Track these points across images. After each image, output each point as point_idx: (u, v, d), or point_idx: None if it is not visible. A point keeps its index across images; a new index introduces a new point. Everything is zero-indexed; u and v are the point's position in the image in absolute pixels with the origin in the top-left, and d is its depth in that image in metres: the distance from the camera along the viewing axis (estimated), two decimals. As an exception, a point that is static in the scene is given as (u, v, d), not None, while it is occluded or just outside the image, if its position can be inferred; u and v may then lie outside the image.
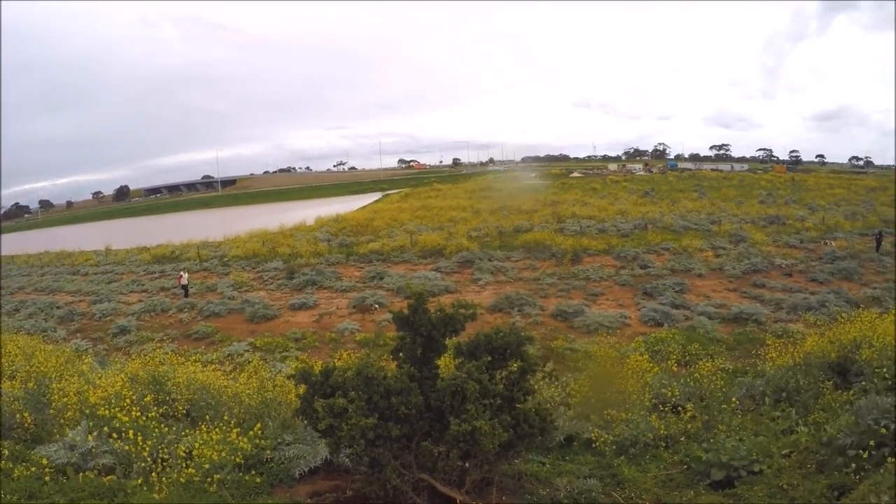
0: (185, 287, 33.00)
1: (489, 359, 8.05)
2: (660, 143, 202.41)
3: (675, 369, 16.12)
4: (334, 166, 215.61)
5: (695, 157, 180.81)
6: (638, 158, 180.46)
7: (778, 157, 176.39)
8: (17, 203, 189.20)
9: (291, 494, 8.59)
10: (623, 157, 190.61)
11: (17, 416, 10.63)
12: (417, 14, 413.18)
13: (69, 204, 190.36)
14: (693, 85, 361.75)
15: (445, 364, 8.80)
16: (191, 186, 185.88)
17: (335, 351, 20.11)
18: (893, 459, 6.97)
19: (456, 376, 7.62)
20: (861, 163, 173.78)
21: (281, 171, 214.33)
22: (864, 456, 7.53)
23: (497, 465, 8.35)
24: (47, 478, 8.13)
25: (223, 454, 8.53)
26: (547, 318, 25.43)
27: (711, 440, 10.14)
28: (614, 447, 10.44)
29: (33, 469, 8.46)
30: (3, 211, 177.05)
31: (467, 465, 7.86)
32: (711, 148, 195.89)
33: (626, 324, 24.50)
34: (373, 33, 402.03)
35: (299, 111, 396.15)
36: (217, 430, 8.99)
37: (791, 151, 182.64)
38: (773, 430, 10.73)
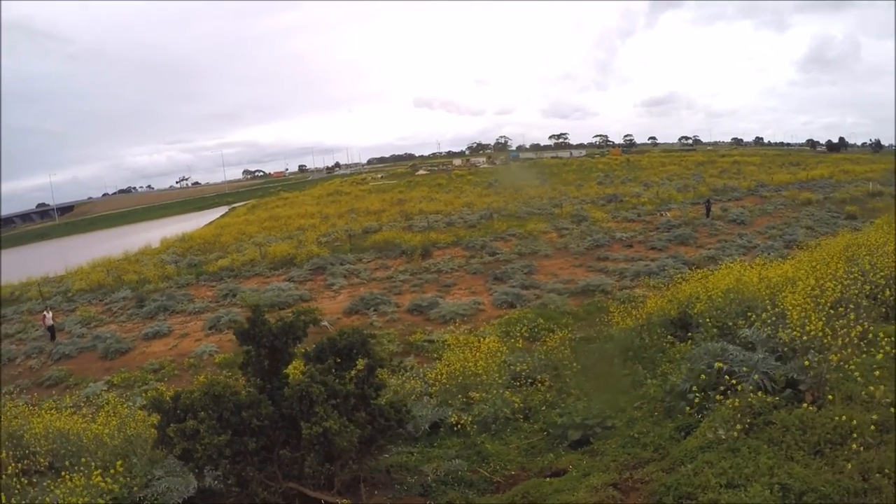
0: (50, 328, 29.95)
1: (337, 360, 8.34)
2: (501, 136, 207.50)
3: (526, 345, 17.00)
4: (177, 182, 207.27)
5: (535, 147, 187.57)
6: (481, 152, 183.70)
7: (613, 142, 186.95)
8: None
9: None
10: (467, 152, 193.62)
11: None
12: (252, 21, 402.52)
13: None
14: (530, 80, 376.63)
15: (297, 372, 8.91)
16: (25, 217, 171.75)
17: (195, 376, 19.61)
18: (721, 397, 7.82)
19: (300, 382, 7.84)
20: (690, 141, 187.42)
21: (121, 191, 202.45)
22: (701, 397, 8.28)
23: (363, 462, 8.63)
24: None
25: (87, 499, 8.27)
26: (403, 314, 25.80)
27: (563, 405, 10.88)
28: (476, 426, 10.96)
29: None
30: None
31: (332, 466, 8.06)
32: (551, 137, 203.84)
33: (481, 309, 25.30)
34: (207, 43, 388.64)
35: (136, 126, 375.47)
36: (79, 475, 8.66)
37: (625, 136, 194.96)
38: (621, 386, 11.61)
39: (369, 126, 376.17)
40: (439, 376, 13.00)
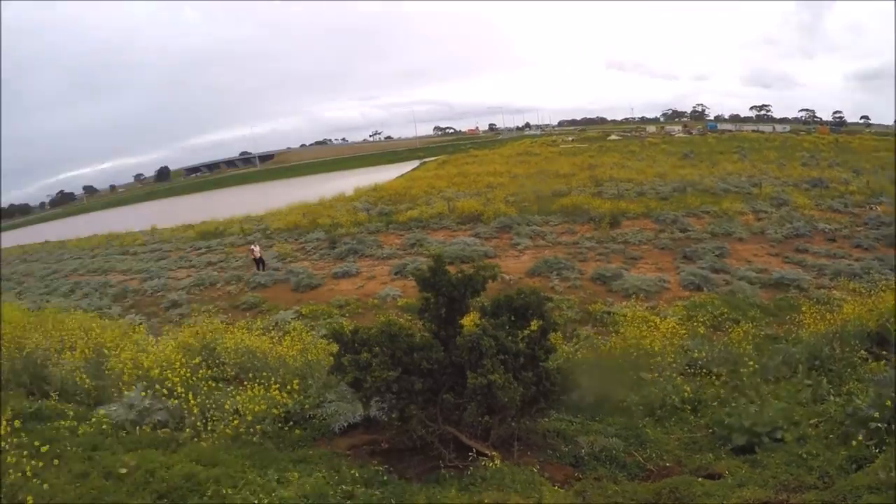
0: (258, 260, 32.93)
1: (512, 318, 8.38)
2: (698, 104, 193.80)
3: (708, 333, 16.15)
4: (370, 136, 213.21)
5: (735, 118, 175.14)
6: (676, 120, 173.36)
7: (821, 119, 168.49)
8: (62, 191, 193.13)
9: (332, 447, 9.09)
10: (661, 119, 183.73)
11: (79, 381, 11.47)
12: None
13: (112, 188, 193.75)
14: (728, 43, 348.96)
15: (472, 324, 9.03)
16: (230, 163, 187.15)
17: (377, 316, 20.48)
18: None
19: (473, 333, 8.01)
20: None
21: (317, 143, 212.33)
22: (884, 429, 7.55)
23: (521, 422, 8.72)
24: (108, 430, 8.85)
25: (263, 407, 9.13)
26: (586, 282, 25.24)
27: (735, 405, 10.24)
28: (642, 408, 10.65)
29: (96, 424, 9.20)
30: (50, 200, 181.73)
31: (492, 419, 8.20)
32: (752, 108, 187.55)
33: (666, 288, 24.25)
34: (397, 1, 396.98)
35: (332, 84, 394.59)
36: (258, 386, 9.56)
37: (834, 112, 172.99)
38: (800, 398, 10.70)
39: (560, 87, 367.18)
40: (613, 350, 12.72)
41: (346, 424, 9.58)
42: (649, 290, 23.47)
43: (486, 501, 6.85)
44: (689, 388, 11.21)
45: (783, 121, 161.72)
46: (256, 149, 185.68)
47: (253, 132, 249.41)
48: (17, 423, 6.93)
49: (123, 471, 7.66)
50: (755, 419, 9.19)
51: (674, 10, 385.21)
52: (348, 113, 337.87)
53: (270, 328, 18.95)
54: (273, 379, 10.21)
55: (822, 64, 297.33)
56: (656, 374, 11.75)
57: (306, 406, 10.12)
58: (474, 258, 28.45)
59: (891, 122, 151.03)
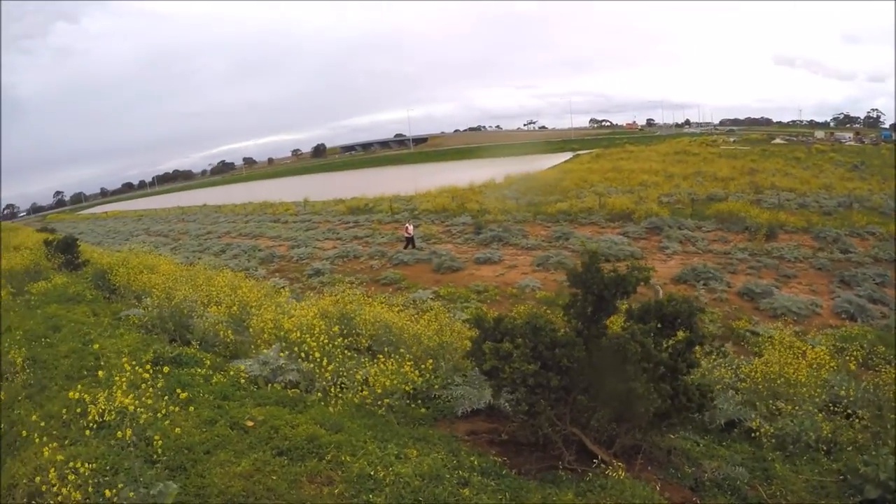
0: (410, 238, 33.80)
1: (658, 325, 8.14)
2: (873, 110, 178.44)
3: (857, 370, 15.07)
4: (524, 125, 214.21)
5: None
6: (848, 126, 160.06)
7: None
8: (223, 161, 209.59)
9: (452, 429, 9.29)
10: (831, 124, 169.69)
11: (221, 333, 12.29)
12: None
13: (270, 161, 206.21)
14: None
15: (616, 325, 8.89)
16: (384, 144, 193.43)
17: (515, 305, 20.52)
18: None
19: (619, 336, 7.81)
20: None
21: (470, 129, 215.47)
22: None
23: (649, 434, 8.52)
24: (242, 382, 9.44)
25: (394, 382, 9.39)
26: (732, 296, 24.16)
27: (874, 454, 9.52)
28: (773, 441, 10.12)
29: (231, 376, 9.81)
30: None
31: (619, 427, 8.06)
32: None
33: (817, 313, 22.66)
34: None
35: (489, 71, 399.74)
36: (392, 361, 9.84)
37: None
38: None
39: (723, 83, 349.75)
40: (753, 373, 12.11)
41: (469, 409, 9.71)
42: (799, 313, 22.05)
43: None
44: (827, 428, 10.49)
45: None
46: (411, 132, 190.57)
47: (408, 115, 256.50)
48: (165, 369, 7.44)
49: (249, 423, 8.15)
50: (892, 473, 8.47)
51: (851, 2, 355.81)
52: (504, 101, 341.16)
53: (408, 305, 19.43)
54: (407, 356, 10.49)
55: None
56: (795, 407, 11.07)
57: (434, 386, 10.38)
58: (620, 257, 28.00)
59: None
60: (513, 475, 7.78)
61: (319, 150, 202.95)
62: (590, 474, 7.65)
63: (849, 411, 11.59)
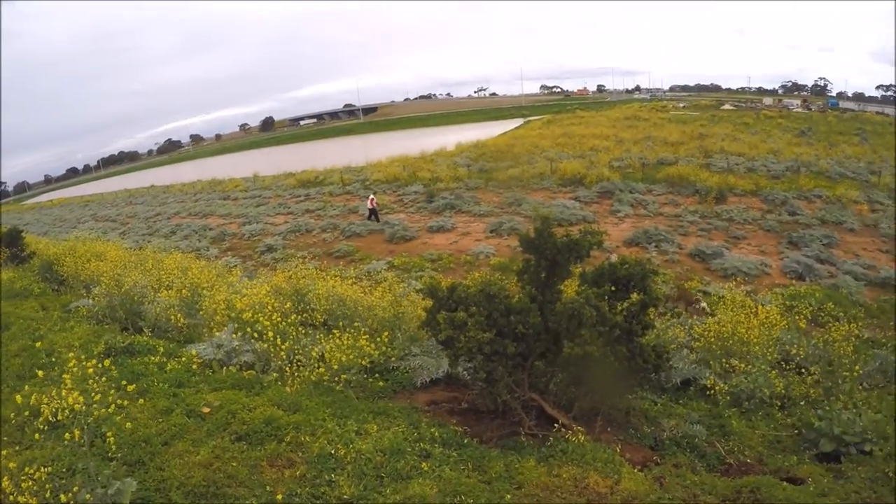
0: (372, 211, 33.31)
1: (612, 288, 8.14)
2: (820, 78, 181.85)
3: (807, 328, 15.47)
4: (475, 92, 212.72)
5: (859, 97, 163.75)
6: (796, 94, 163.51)
7: None
8: (169, 139, 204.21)
9: (411, 400, 9.25)
10: (780, 92, 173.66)
11: (173, 318, 12.03)
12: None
13: (218, 137, 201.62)
14: (858, 12, 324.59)
15: (570, 290, 8.88)
16: (333, 115, 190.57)
17: (469, 273, 20.56)
18: None
19: (574, 300, 7.77)
20: None
21: (421, 97, 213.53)
22: None
23: (607, 396, 8.54)
24: (196, 368, 9.24)
25: (351, 357, 9.23)
26: (684, 258, 24.76)
27: (828, 409, 9.76)
28: (729, 398, 10.33)
29: (184, 362, 9.60)
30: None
31: (577, 391, 8.11)
32: (878, 88, 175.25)
33: (766, 273, 23.41)
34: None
35: (439, 39, 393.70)
36: (348, 335, 9.65)
37: None
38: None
39: (674, 51, 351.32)
40: (706, 333, 12.29)
41: (428, 380, 9.70)
42: (749, 273, 22.69)
43: (564, 476, 6.83)
44: (780, 384, 10.75)
45: None
46: (361, 102, 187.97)
47: (358, 85, 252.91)
48: (106, 363, 7.21)
49: (206, 410, 7.99)
50: (845, 427, 8.74)
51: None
52: (454, 68, 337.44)
53: (362, 277, 19.32)
54: (362, 329, 10.40)
55: None
56: (748, 364, 11.33)
57: (392, 358, 10.32)
58: (572, 222, 28.30)
59: None
60: (474, 444, 7.77)
61: (268, 124, 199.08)
62: (551, 439, 7.73)
63: (800, 367, 11.93)
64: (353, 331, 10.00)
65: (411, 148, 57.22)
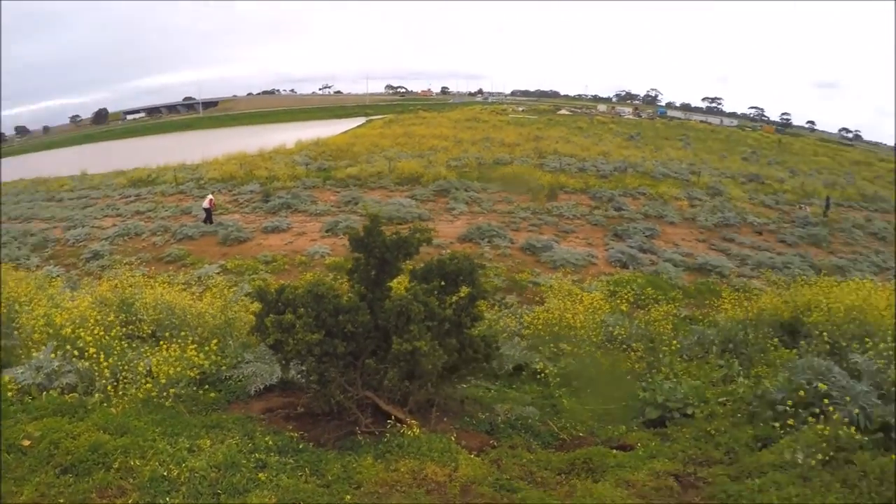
0: (207, 211, 31.50)
1: (442, 283, 8.36)
2: (652, 89, 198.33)
3: (629, 310, 16.65)
4: (319, 89, 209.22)
5: (685, 107, 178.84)
6: (629, 102, 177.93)
7: (768, 118, 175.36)
8: None
9: (246, 410, 8.95)
10: (613, 100, 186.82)
11: None
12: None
13: (46, 129, 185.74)
14: (694, 33, 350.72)
15: (402, 287, 9.00)
16: (171, 108, 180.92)
17: (304, 273, 20.38)
18: (813, 419, 7.43)
19: (402, 297, 7.92)
20: (850, 136, 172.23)
21: (265, 93, 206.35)
22: (792, 412, 7.89)
23: (441, 388, 8.76)
24: (11, 397, 8.50)
25: (179, 369, 8.83)
26: (516, 251, 25.80)
27: (651, 381, 10.58)
28: (559, 379, 10.90)
29: (-1, 390, 8.82)
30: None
31: (411, 385, 8.21)
32: (703, 100, 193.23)
33: (593, 262, 25.05)
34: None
35: (286, 31, 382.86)
36: (175, 346, 9.23)
37: (782, 114, 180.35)
38: (712, 377, 11.20)
39: (515, 57, 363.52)
40: (535, 320, 12.95)
41: (262, 387, 9.42)
42: (577, 264, 24.14)
43: (402, 470, 6.90)
44: (606, 362, 11.61)
45: (732, 115, 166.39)
46: (202, 95, 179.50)
47: (199, 77, 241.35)
48: None
49: (26, 443, 7.36)
50: (668, 395, 9.53)
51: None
52: (300, 64, 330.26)
53: (192, 283, 18.66)
54: (190, 338, 9.90)
55: (779, 64, 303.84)
56: (575, 346, 12.03)
57: (223, 367, 9.94)
58: (408, 220, 28.59)
59: (834, 131, 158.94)
60: (311, 448, 7.68)
61: (101, 116, 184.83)
62: (387, 435, 7.76)
63: (625, 345, 12.90)
64: (180, 341, 9.54)
65: (251, 145, 55.35)
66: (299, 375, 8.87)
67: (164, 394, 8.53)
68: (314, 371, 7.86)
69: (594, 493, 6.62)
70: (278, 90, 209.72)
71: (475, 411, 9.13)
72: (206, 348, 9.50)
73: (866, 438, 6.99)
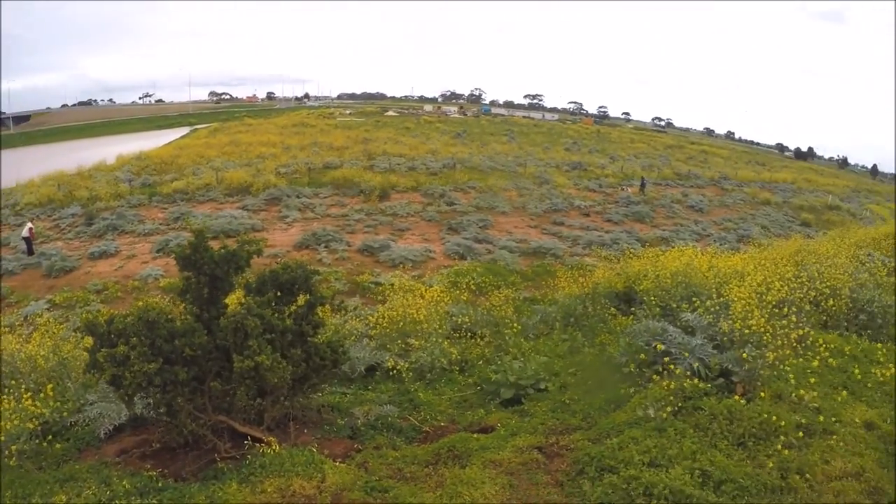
0: (27, 240, 28.41)
1: (278, 294, 8.27)
2: (476, 88, 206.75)
3: (472, 299, 17.24)
4: (140, 98, 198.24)
5: (509, 104, 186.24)
6: (454, 101, 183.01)
7: (587, 111, 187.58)
8: None
9: (99, 455, 8.34)
10: (439, 100, 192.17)
11: None
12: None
13: None
14: (515, 33, 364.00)
15: (238, 302, 8.73)
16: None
17: (138, 299, 19.32)
18: (657, 376, 8.07)
19: (236, 313, 7.75)
20: (662, 123, 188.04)
21: (81, 103, 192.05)
22: (637, 373, 8.54)
23: (295, 400, 8.70)
24: None
25: (17, 423, 8.10)
26: (354, 254, 25.91)
27: (500, 363, 11.07)
28: (412, 374, 11.17)
29: None
30: None
31: (263, 402, 8.09)
32: (525, 97, 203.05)
33: (431, 257, 25.69)
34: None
35: (102, 36, 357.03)
36: (8, 398, 8.46)
37: (600, 106, 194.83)
38: (559, 351, 11.93)
39: (342, 60, 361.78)
40: (381, 320, 13.08)
41: (111, 428, 8.80)
42: (416, 260, 24.73)
43: (269, 490, 6.78)
44: (455, 351, 11.94)
45: (553, 110, 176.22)
46: (10, 108, 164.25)
47: (8, 88, 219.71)
48: None
49: None
50: (519, 374, 10.03)
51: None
52: (118, 71, 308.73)
53: (18, 324, 17.28)
54: (24, 386, 9.06)
55: (595, 62, 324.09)
56: (423, 340, 12.32)
57: (65, 413, 9.20)
58: (241, 231, 27.81)
59: (648, 120, 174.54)
60: (173, 484, 7.35)
61: None
62: (248, 457, 7.57)
63: (472, 333, 13.42)
64: (12, 391, 8.75)
65: (69, 163, 51.07)
66: (147, 409, 8.42)
67: (6, 452, 7.81)
68: (160, 402, 7.59)
69: (463, 478, 6.83)
70: (95, 101, 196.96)
71: (334, 418, 9.14)
72: (43, 395, 8.80)
73: (710, 385, 7.79)
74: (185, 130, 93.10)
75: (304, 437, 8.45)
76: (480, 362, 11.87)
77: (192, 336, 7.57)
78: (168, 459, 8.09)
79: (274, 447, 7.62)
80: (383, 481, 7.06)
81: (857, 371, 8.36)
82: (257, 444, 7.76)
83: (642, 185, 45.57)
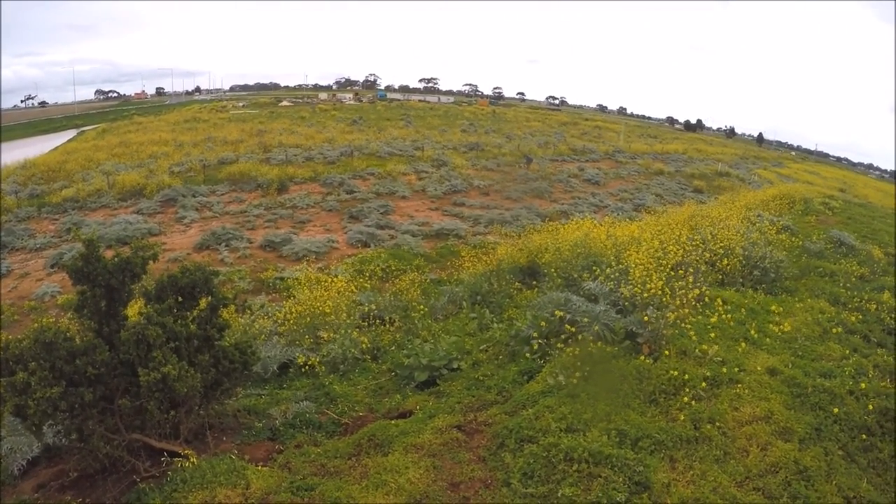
0: None
1: (179, 299, 8.00)
2: (371, 74, 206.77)
3: (378, 286, 17.33)
4: (21, 101, 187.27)
5: (404, 89, 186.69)
6: (349, 88, 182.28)
7: (482, 92, 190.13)
8: None
9: (17, 494, 7.90)
10: (334, 87, 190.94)
11: None
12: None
13: None
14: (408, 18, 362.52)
15: (138, 313, 8.33)
16: None
17: (36, 321, 18.39)
18: (563, 344, 8.33)
19: (137, 324, 7.45)
20: (557, 102, 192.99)
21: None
22: (545, 343, 8.85)
23: (209, 408, 8.50)
24: None
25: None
26: (256, 251, 25.47)
27: (412, 346, 11.22)
28: (325, 367, 11.11)
29: None
30: None
31: (177, 414, 7.88)
32: (420, 80, 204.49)
33: (335, 247, 25.58)
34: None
35: None
36: None
37: (494, 87, 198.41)
38: (468, 329, 12.18)
39: (233, 50, 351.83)
40: (289, 316, 12.99)
41: (24, 463, 8.30)
42: (319, 252, 24.58)
43: None
44: (366, 339, 11.97)
45: (448, 93, 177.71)
46: None
47: None
48: None
49: None
50: (431, 355, 10.21)
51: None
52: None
53: None
54: None
55: (490, 45, 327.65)
56: (333, 332, 12.26)
57: (-29, 454, 8.70)
58: (138, 237, 26.62)
59: (542, 99, 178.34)
60: (94, 514, 7.06)
61: None
62: (169, 474, 7.34)
63: (382, 319, 13.51)
64: None
65: None
66: (58, 437, 8.01)
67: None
68: (70, 428, 7.24)
69: (387, 466, 6.93)
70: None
71: (252, 421, 9.02)
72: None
73: (617, 348, 8.17)
74: (71, 133, 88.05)
75: (223, 445, 8.29)
76: (392, 348, 11.95)
77: (94, 353, 7.21)
78: (88, 488, 7.76)
79: (193, 460, 7.43)
80: (308, 479, 7.06)
81: (754, 323, 8.89)
82: (176, 459, 7.54)
83: (528, 161, 47.41)
